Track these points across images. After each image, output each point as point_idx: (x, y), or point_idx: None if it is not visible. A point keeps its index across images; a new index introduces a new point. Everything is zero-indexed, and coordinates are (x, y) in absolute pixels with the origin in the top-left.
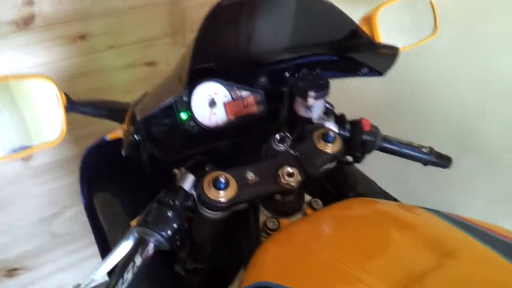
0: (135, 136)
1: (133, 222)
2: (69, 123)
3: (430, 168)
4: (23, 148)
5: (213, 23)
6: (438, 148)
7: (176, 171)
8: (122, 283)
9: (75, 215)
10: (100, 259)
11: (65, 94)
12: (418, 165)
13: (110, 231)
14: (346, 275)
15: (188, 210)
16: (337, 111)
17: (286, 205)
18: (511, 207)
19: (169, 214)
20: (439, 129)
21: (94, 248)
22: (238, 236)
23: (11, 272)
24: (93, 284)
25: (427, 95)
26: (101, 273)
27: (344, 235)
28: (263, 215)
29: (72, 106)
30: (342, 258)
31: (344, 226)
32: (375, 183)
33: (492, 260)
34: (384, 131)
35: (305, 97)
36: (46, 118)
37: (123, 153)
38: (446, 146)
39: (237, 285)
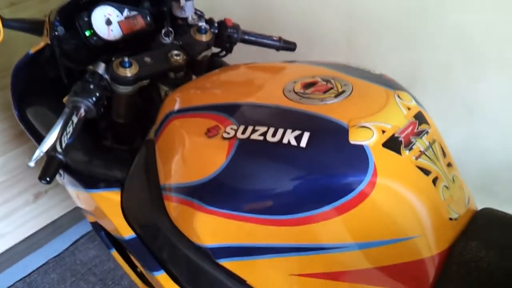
0: (54, 40)
1: (65, 99)
2: None
3: None
4: None
5: None
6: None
7: (89, 67)
8: (66, 134)
9: (2, 165)
10: None
11: None
12: None
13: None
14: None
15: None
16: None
17: (179, 80)
18: None
19: (91, 86)
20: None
21: (26, 196)
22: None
23: None
24: (41, 155)
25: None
26: (46, 146)
27: (218, 80)
28: (163, 90)
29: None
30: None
31: (218, 76)
32: None
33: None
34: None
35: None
36: None
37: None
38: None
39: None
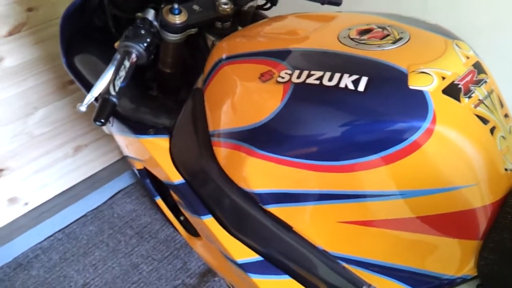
0: None
1: (116, 44)
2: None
3: None
4: None
5: None
6: None
7: (139, 14)
8: (119, 78)
9: (44, 116)
10: None
11: None
12: None
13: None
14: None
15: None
16: None
17: (225, 30)
18: None
19: (142, 31)
20: None
21: (66, 149)
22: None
23: None
24: (92, 99)
25: None
26: (98, 91)
27: (268, 28)
28: (209, 40)
29: None
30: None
31: (267, 25)
32: None
33: None
34: None
35: None
36: None
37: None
38: None
39: (200, 81)
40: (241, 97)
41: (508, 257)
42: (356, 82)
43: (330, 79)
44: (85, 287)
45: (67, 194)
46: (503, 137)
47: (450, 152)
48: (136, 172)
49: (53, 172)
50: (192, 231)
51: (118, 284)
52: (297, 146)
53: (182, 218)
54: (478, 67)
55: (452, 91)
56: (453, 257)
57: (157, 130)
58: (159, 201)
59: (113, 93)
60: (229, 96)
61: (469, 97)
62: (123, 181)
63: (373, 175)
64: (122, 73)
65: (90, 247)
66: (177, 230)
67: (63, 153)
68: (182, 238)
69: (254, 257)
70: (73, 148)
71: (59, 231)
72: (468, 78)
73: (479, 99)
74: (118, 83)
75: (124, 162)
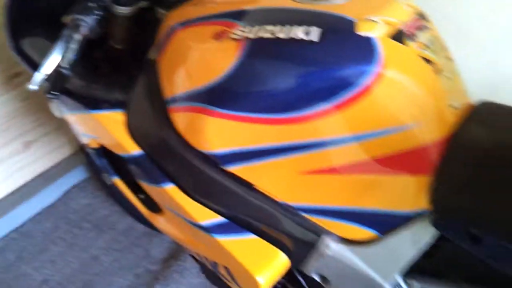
0: None
1: (65, 18)
2: None
3: None
4: None
5: None
6: None
7: None
8: (70, 51)
9: None
10: None
11: None
12: None
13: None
14: None
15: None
16: None
17: (176, 3)
18: None
19: (91, 4)
20: None
21: (15, 145)
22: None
23: None
24: (43, 78)
25: None
26: (47, 68)
27: None
28: (160, 14)
29: None
30: None
31: None
32: None
33: None
34: None
35: None
36: None
37: None
38: None
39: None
40: (196, 58)
41: (457, 187)
42: (308, 33)
43: (284, 32)
44: (45, 283)
45: (19, 192)
46: (446, 77)
47: (399, 93)
48: (91, 153)
49: (3, 170)
50: (154, 208)
51: (79, 277)
52: (254, 101)
53: (142, 196)
54: (420, 15)
55: (398, 36)
56: (408, 193)
57: (111, 105)
58: (118, 180)
59: (64, 66)
60: (184, 60)
61: (414, 41)
62: (76, 176)
63: (329, 122)
64: (73, 46)
65: (47, 244)
66: (136, 218)
67: (12, 149)
68: (142, 227)
69: (218, 219)
70: (22, 144)
71: (14, 230)
72: (412, 24)
73: (423, 43)
74: (69, 56)
75: (76, 157)
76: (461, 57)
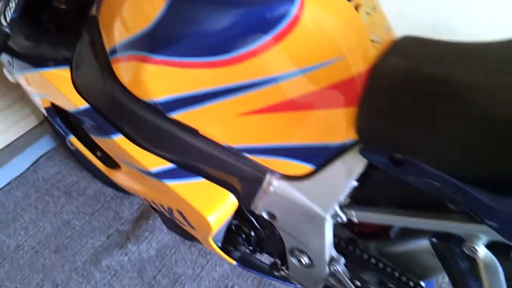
0: None
1: None
2: None
3: None
4: None
5: None
6: None
7: None
8: (9, 9)
9: None
10: None
11: None
12: None
13: None
14: None
15: None
16: None
17: None
18: None
19: None
20: None
21: None
22: None
23: None
24: None
25: None
26: None
27: None
28: None
29: None
30: None
31: None
32: None
33: None
34: None
35: None
36: None
37: None
38: None
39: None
40: (129, 6)
41: (380, 114)
42: None
43: None
44: (19, 249)
45: None
46: (367, 12)
47: (321, 28)
48: (45, 112)
49: None
50: (111, 164)
51: (52, 241)
52: (187, 45)
53: (99, 154)
54: None
55: None
56: (339, 126)
57: (57, 62)
58: (74, 139)
59: (4, 23)
60: (120, 9)
61: None
62: (43, 146)
63: (260, 61)
64: (12, 4)
65: (18, 212)
66: (103, 180)
67: None
68: (111, 191)
69: (167, 165)
70: None
71: None
72: None
73: None
74: (9, 14)
75: (42, 127)
76: None
